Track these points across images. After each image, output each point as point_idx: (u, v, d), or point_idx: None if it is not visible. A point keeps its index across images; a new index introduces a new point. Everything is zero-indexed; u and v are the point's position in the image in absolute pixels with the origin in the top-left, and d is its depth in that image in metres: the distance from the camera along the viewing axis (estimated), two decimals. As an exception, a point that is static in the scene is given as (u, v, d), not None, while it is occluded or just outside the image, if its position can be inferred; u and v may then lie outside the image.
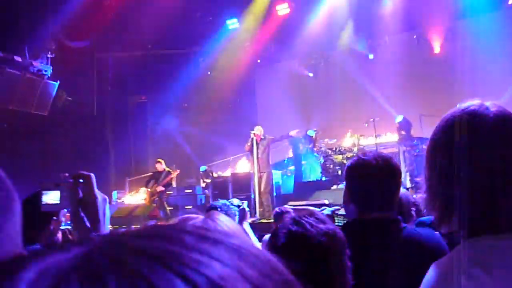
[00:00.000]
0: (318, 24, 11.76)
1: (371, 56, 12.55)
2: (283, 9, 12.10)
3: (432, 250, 1.61)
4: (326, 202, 7.18)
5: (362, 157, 1.79)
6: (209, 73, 13.43)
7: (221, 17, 12.52)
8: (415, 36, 11.90)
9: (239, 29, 12.70)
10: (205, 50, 12.71)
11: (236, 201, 3.18)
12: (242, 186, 9.52)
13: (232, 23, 12.69)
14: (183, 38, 12.14)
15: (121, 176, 12.29)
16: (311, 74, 13.40)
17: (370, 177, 1.74)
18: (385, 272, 1.56)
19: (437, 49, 11.80)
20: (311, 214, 1.33)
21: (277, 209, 3.91)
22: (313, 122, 11.81)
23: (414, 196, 5.64)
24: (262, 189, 8.72)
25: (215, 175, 11.04)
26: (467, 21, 10.94)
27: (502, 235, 0.99)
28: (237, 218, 2.87)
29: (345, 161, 9.55)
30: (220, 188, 10.01)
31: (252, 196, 9.04)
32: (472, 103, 1.08)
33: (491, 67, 10.20)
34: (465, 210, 0.99)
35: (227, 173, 10.84)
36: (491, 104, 1.07)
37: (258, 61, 14.01)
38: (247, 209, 3.19)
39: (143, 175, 11.43)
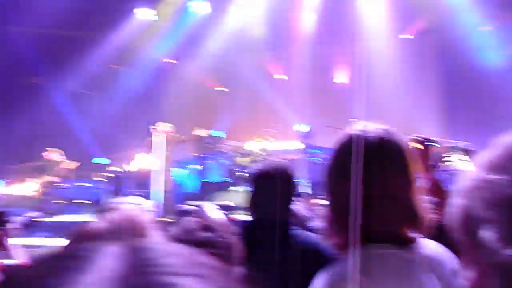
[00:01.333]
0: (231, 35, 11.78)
1: (285, 77, 12.95)
2: (201, 8, 11.92)
3: (318, 251, 1.88)
4: (231, 203, 7.31)
5: (264, 165, 2.09)
6: (113, 66, 12.89)
7: (132, 5, 12.15)
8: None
9: (151, 21, 12.37)
10: (113, 37, 12.16)
11: (137, 199, 3.26)
12: (142, 182, 9.45)
13: (142, 13, 12.24)
14: (91, 22, 11.60)
15: (4, 163, 11.26)
16: (225, 90, 13.37)
17: (269, 184, 1.98)
18: (280, 266, 1.76)
19: (343, 80, 12.64)
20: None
21: (181, 207, 4.11)
22: (220, 123, 11.94)
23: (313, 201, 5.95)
24: (166, 187, 8.87)
25: (113, 169, 10.78)
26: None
27: (381, 245, 1.13)
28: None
29: (250, 164, 9.75)
30: (118, 183, 9.89)
31: (153, 193, 8.97)
32: (358, 126, 1.22)
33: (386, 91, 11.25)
34: (352, 224, 1.09)
35: (127, 167, 10.65)
36: (376, 128, 1.21)
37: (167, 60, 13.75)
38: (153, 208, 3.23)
39: (31, 163, 10.64)
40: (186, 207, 3.96)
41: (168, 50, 12.88)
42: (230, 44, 11.80)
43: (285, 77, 12.84)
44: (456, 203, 0.60)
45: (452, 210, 0.61)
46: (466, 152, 2.47)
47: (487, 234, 0.54)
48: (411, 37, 11.85)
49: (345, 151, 1.18)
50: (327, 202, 1.21)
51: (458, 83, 10.98)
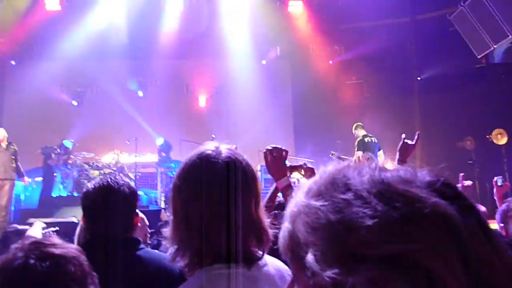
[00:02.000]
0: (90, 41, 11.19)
1: (140, 94, 12.85)
2: (52, 4, 10.93)
3: (165, 272, 1.82)
4: (75, 220, 6.98)
5: (102, 179, 1.99)
6: None
7: None
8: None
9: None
10: None
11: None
12: None
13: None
14: None
15: None
16: (75, 103, 12.68)
17: (107, 199, 1.91)
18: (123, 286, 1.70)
19: (202, 103, 13.06)
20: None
21: (11, 227, 3.65)
22: (71, 132, 11.31)
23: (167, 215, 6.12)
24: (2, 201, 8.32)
25: None
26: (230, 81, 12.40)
27: (227, 265, 1.14)
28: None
29: (101, 177, 9.36)
30: None
31: None
32: (208, 147, 1.23)
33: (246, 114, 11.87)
34: (199, 244, 1.11)
35: None
36: (225, 149, 1.22)
37: (13, 62, 12.57)
38: None
39: None
40: (19, 227, 3.53)
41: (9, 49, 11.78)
42: (86, 49, 11.19)
43: (140, 94, 12.79)
44: (284, 227, 0.64)
45: (281, 233, 0.65)
46: (305, 170, 2.39)
47: (309, 257, 0.57)
48: (264, 62, 12.74)
49: (193, 170, 1.20)
50: (173, 220, 1.20)
51: (307, 105, 12.12)
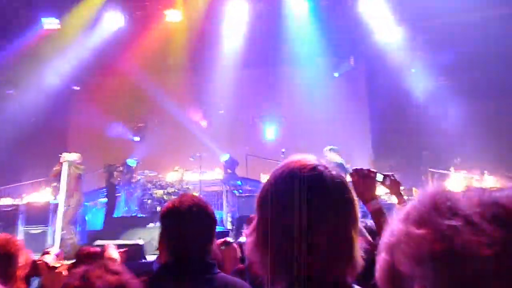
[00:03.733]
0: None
1: (204, 124, 13.02)
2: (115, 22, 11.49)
3: None
4: (141, 242, 7.14)
5: (177, 205, 1.94)
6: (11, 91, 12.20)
7: (38, 12, 11.33)
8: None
9: (59, 32, 11.53)
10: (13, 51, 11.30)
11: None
12: (37, 217, 9.02)
13: (49, 23, 11.35)
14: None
15: None
16: (137, 139, 13.05)
17: (184, 225, 1.89)
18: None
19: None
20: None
21: (83, 248, 3.78)
22: (134, 151, 11.65)
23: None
24: (66, 221, 8.49)
25: (7, 201, 10.04)
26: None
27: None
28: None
29: (165, 197, 9.58)
30: (7, 219, 9.18)
31: (51, 230, 8.75)
32: (309, 161, 1.15)
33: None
34: (291, 267, 1.06)
35: (20, 201, 9.94)
36: (315, 160, 1.16)
37: (75, 88, 13.32)
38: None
39: None
40: (90, 249, 3.72)
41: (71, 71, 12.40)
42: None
43: (204, 124, 12.90)
44: (381, 257, 0.62)
45: (378, 265, 0.62)
46: (392, 182, 2.27)
47: None
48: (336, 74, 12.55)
49: (281, 186, 1.13)
50: (257, 242, 1.13)
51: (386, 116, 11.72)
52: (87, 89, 13.05)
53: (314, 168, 1.14)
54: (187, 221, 1.88)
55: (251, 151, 10.28)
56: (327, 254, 1.07)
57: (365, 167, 2.11)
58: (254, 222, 1.15)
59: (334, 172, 1.15)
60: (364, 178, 2.01)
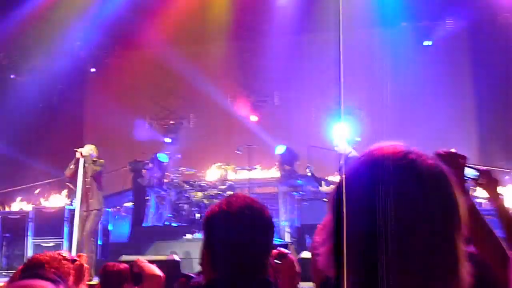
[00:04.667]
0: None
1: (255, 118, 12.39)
2: None
3: None
4: (177, 257, 7.17)
5: (225, 208, 1.91)
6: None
7: None
8: None
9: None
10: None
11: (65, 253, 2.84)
12: (49, 227, 9.11)
13: None
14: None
15: None
16: (168, 140, 12.35)
17: (234, 233, 1.86)
18: None
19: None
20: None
21: (109, 265, 3.83)
22: (166, 144, 11.47)
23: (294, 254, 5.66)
24: (85, 233, 8.28)
25: (8, 208, 10.19)
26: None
27: None
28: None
29: (206, 201, 9.39)
30: (14, 229, 9.29)
31: (66, 244, 8.84)
32: (397, 148, 1.10)
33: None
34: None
35: (29, 207, 10.01)
36: (407, 150, 1.11)
37: (92, 70, 13.10)
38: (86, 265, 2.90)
39: None
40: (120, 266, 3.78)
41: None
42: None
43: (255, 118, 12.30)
44: None
45: None
46: (487, 179, 2.17)
47: None
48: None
49: (361, 180, 1.08)
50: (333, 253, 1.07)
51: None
52: (106, 72, 12.79)
53: (404, 156, 1.09)
54: (238, 228, 1.86)
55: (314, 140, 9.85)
56: (423, 269, 1.03)
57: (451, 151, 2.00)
58: (328, 227, 1.11)
59: (431, 161, 1.09)
60: (449, 164, 1.47)
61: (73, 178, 8.59)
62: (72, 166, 8.49)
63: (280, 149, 9.94)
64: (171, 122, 12.42)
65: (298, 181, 9.51)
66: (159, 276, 3.22)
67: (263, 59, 11.46)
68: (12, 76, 12.23)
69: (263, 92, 12.26)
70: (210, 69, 11.79)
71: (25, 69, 11.97)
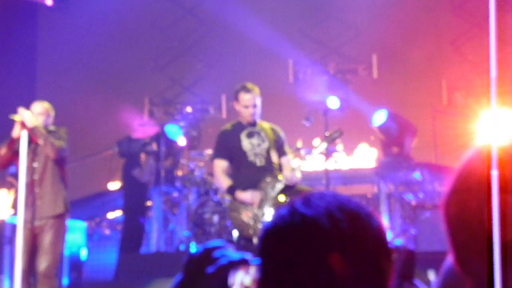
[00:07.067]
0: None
1: None
2: None
3: None
4: None
5: (301, 211, 1.19)
6: None
7: None
8: None
9: None
10: None
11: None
12: None
13: None
14: None
15: None
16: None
17: (320, 254, 1.18)
18: None
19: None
20: None
21: None
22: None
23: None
24: (40, 262, 5.78)
25: None
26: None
27: None
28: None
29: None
30: None
31: (8, 284, 6.49)
32: None
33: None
34: None
35: None
36: None
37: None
38: None
39: None
40: None
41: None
42: None
43: None
44: None
45: None
46: None
47: None
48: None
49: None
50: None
51: None
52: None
53: None
54: (327, 244, 1.16)
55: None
56: None
57: None
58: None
59: None
60: None
61: (9, 165, 5.80)
62: (5, 145, 5.65)
63: (379, 118, 6.78)
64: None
65: (416, 174, 6.39)
66: None
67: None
68: None
69: None
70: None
71: None
